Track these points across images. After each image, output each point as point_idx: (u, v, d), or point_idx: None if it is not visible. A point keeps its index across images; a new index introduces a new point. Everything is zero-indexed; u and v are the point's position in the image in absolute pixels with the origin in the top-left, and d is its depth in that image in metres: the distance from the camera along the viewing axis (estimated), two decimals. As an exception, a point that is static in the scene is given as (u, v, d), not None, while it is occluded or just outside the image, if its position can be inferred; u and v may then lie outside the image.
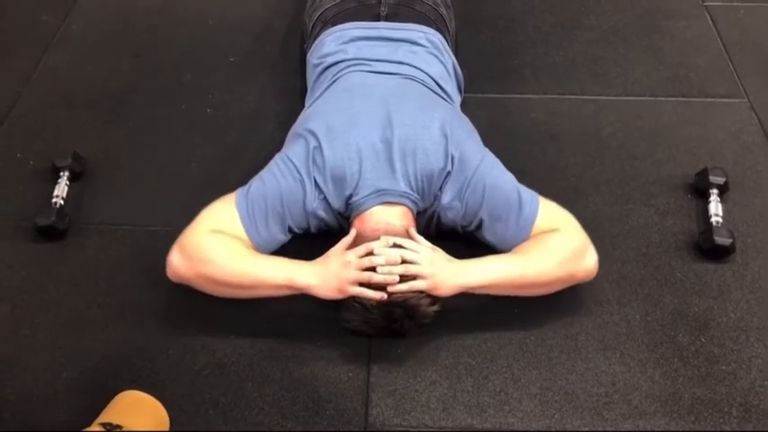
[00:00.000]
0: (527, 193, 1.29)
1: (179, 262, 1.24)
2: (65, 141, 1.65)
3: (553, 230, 1.26)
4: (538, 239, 1.26)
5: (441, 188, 1.29)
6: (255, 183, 1.30)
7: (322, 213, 1.30)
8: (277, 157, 1.32)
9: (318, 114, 1.36)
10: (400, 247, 1.20)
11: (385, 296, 1.17)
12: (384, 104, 1.33)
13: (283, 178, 1.28)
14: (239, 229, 1.26)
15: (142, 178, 1.59)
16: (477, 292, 1.25)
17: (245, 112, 1.73)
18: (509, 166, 1.33)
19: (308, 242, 1.31)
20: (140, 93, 1.79)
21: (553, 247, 1.25)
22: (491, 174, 1.29)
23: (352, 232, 1.27)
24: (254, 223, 1.26)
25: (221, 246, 1.23)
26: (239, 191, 1.29)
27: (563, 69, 1.83)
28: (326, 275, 1.20)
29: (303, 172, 1.27)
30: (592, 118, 1.70)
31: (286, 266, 1.23)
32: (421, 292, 1.19)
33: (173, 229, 1.29)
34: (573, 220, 1.29)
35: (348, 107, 1.34)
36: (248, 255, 1.24)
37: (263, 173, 1.31)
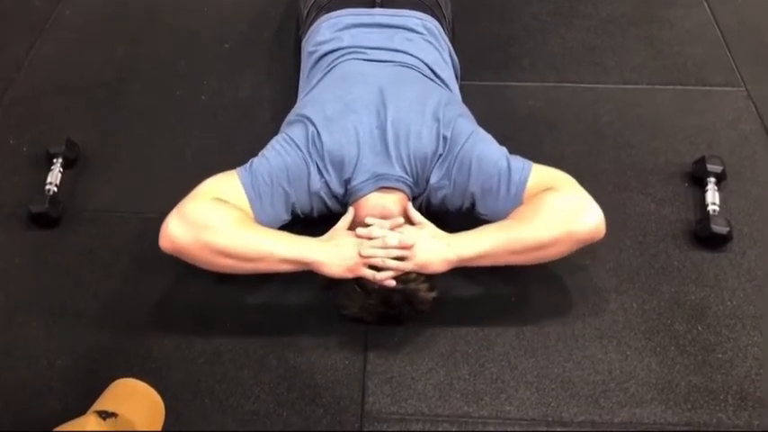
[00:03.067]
0: (518, 160, 1.26)
1: (177, 228, 1.15)
2: (58, 128, 1.63)
3: (548, 189, 1.20)
4: (531, 200, 1.20)
5: (432, 171, 1.28)
6: (258, 160, 1.27)
7: (324, 196, 1.29)
8: (278, 137, 1.31)
9: (315, 102, 1.35)
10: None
11: (392, 275, 1.15)
12: (380, 92, 1.32)
13: (287, 155, 1.26)
14: (243, 200, 1.21)
15: (136, 165, 1.57)
16: (473, 264, 1.18)
17: (240, 100, 1.72)
18: (506, 153, 1.32)
19: (300, 228, 1.29)
20: (135, 79, 1.77)
21: (546, 205, 1.17)
22: (477, 147, 1.26)
23: (350, 210, 1.26)
24: (258, 197, 1.23)
25: (226, 212, 1.17)
26: (239, 168, 1.26)
27: (561, 58, 1.82)
28: (339, 254, 1.17)
29: (305, 151, 1.26)
30: (589, 106, 1.69)
31: (294, 240, 1.19)
32: (416, 274, 1.18)
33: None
34: (569, 178, 1.23)
35: (344, 95, 1.33)
36: (254, 224, 1.20)
37: (265, 151, 1.28)
